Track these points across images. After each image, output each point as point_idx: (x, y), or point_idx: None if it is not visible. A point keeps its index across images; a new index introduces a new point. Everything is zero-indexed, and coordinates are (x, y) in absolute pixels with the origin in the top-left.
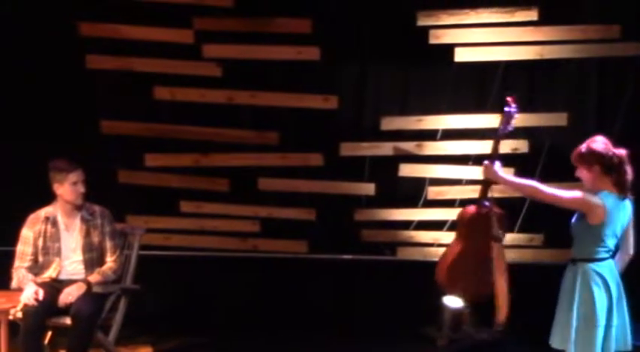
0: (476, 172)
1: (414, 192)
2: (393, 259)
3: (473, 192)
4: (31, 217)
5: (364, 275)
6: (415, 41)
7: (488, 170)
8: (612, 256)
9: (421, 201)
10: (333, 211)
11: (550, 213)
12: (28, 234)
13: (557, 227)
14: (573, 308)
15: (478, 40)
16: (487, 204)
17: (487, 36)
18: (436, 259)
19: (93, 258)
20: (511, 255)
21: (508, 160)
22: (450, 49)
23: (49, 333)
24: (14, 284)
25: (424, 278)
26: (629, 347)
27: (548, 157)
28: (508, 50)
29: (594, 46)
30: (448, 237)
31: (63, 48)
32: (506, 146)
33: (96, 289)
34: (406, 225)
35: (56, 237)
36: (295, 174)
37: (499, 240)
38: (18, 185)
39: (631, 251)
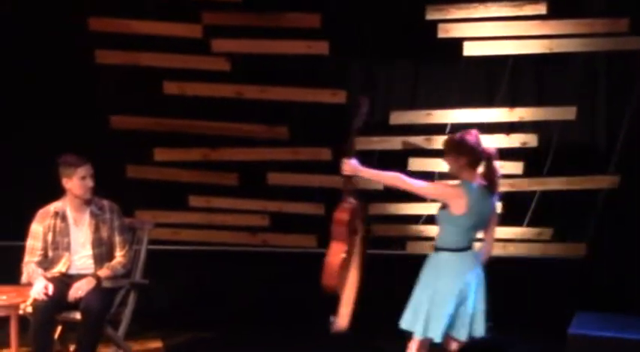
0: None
1: None
2: (403, 253)
3: None
4: (41, 212)
5: (374, 270)
6: (424, 35)
7: (347, 166)
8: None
9: None
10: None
11: (560, 207)
12: (38, 228)
13: (567, 221)
14: (428, 293)
15: (487, 34)
16: (351, 199)
17: (496, 30)
18: None
19: (102, 253)
20: (520, 250)
21: (517, 154)
22: (458, 42)
23: (59, 328)
24: (24, 278)
25: None
26: (483, 332)
27: (557, 151)
28: (517, 44)
29: (603, 40)
30: None
31: (72, 43)
32: (515, 140)
33: (105, 284)
34: (415, 219)
35: (65, 232)
36: (304, 169)
37: (358, 232)
38: (28, 180)
39: (488, 248)
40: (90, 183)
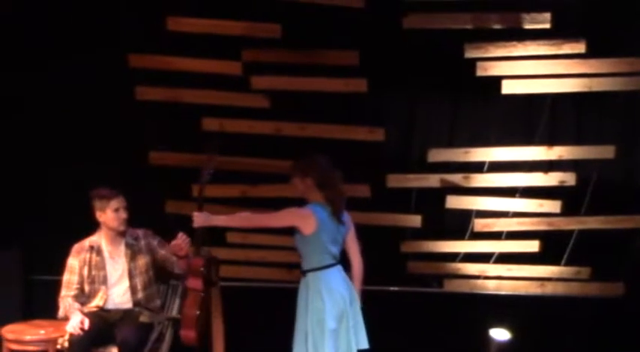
0: (523, 205)
1: (460, 224)
2: (440, 291)
3: (519, 224)
4: (76, 247)
5: (411, 307)
6: (463, 73)
7: (199, 219)
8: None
9: (468, 233)
10: (380, 243)
11: (598, 246)
12: (74, 262)
13: (605, 260)
14: (308, 317)
15: (526, 72)
16: (204, 250)
17: (535, 68)
18: (483, 291)
19: (145, 281)
20: (558, 289)
21: (555, 193)
22: (497, 81)
23: None
24: (61, 313)
25: (471, 310)
26: (366, 344)
27: (596, 190)
28: (556, 82)
29: None
30: (495, 269)
31: (113, 79)
32: (554, 178)
33: (143, 318)
34: (453, 257)
35: (101, 266)
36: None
37: (216, 284)
38: (66, 215)
39: (357, 262)
40: (123, 214)
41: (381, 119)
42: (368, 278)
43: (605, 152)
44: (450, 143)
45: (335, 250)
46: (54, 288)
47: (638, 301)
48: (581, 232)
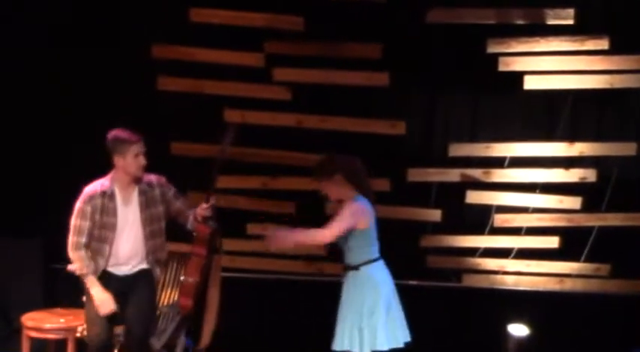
0: (543, 200)
1: (480, 219)
2: (459, 286)
3: (539, 220)
4: (87, 191)
5: (429, 302)
6: (485, 68)
7: (277, 240)
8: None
9: (487, 229)
10: (399, 237)
11: (618, 243)
12: (86, 207)
13: (625, 257)
14: (361, 310)
15: (548, 68)
16: (212, 222)
17: (557, 64)
18: (502, 287)
19: (155, 231)
20: (577, 285)
21: (576, 189)
22: (519, 76)
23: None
24: (76, 269)
25: (490, 305)
26: (409, 337)
27: (616, 187)
28: (578, 79)
29: None
30: (514, 264)
31: (135, 69)
32: (575, 175)
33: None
34: (472, 252)
35: (113, 212)
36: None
37: (218, 252)
38: None
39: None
40: (143, 160)
41: (403, 113)
42: None
43: (626, 149)
44: (471, 138)
45: (377, 243)
46: (74, 276)
47: None
48: (601, 229)
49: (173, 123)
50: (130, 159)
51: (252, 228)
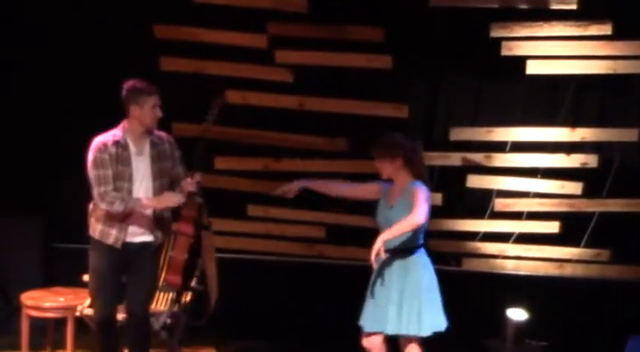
0: (544, 185)
1: (481, 204)
2: (459, 270)
3: (540, 205)
4: (98, 142)
5: None
6: (488, 52)
7: (381, 247)
8: None
9: (488, 213)
10: None
11: (618, 229)
12: (103, 156)
13: (625, 243)
14: (420, 293)
15: (551, 53)
16: (197, 198)
17: (560, 49)
18: (502, 271)
19: (163, 185)
20: (577, 270)
21: (577, 174)
22: (522, 61)
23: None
24: (118, 207)
25: (489, 289)
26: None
27: (618, 172)
28: (581, 64)
29: None
30: (514, 249)
31: (138, 49)
32: (576, 160)
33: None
34: (472, 236)
35: (128, 162)
36: (363, 182)
37: (208, 228)
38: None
39: None
40: (159, 113)
41: (405, 96)
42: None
43: (628, 135)
44: (472, 122)
45: None
46: (74, 256)
47: None
48: (602, 214)
49: (175, 103)
50: (148, 109)
51: (252, 210)
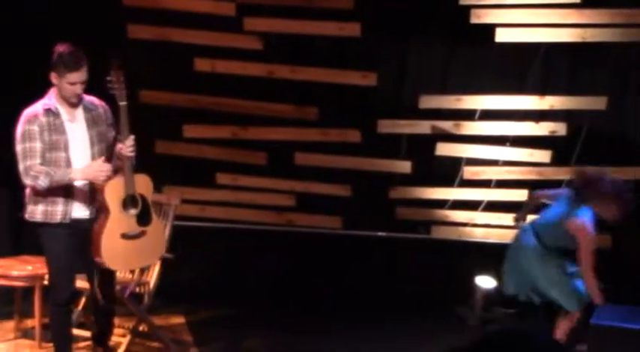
0: (513, 153)
1: (450, 172)
2: (427, 237)
3: (509, 173)
4: (28, 113)
5: (398, 253)
6: (457, 20)
7: None
8: None
9: (457, 181)
10: (369, 188)
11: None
12: (32, 127)
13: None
14: (564, 275)
15: (520, 21)
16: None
17: (529, 17)
18: (471, 239)
19: (102, 150)
20: None
21: (546, 142)
22: (491, 28)
23: (83, 299)
24: (43, 181)
25: (458, 257)
26: None
27: (587, 141)
28: (550, 32)
29: (637, 31)
30: (483, 217)
31: (105, 16)
32: (545, 128)
33: None
34: (441, 204)
35: (61, 129)
36: (332, 150)
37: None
38: None
39: None
40: (78, 90)
41: (374, 64)
42: (356, 223)
43: (596, 103)
44: (441, 90)
45: None
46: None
47: (626, 253)
48: (570, 182)
49: (143, 71)
50: (65, 84)
51: (221, 178)
